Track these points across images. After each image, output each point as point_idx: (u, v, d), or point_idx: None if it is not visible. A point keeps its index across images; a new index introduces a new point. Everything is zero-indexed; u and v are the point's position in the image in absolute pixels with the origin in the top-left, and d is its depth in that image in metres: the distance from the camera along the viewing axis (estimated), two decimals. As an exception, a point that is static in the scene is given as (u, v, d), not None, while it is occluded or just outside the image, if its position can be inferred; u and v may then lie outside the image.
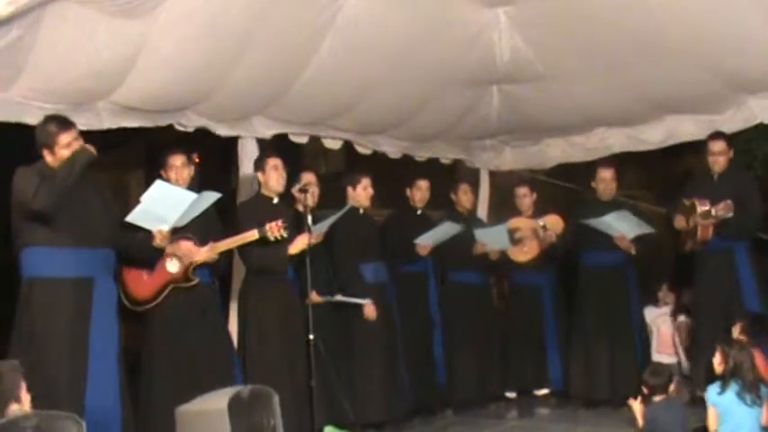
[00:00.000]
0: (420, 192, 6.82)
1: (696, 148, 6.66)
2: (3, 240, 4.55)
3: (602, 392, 6.63)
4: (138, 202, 4.54)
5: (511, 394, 7.31)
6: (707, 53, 5.76)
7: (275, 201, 5.62)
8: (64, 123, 4.40)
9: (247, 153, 6.24)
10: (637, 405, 4.68)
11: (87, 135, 4.56)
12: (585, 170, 7.29)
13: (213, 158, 6.22)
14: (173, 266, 4.97)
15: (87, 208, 4.45)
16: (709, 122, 6.80)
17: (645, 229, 6.49)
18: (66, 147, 4.34)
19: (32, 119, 4.70)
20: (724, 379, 4.39)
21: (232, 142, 6.31)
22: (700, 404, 4.96)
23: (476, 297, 7.06)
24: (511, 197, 7.46)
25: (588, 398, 6.75)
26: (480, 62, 6.27)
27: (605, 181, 6.81)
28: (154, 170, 5.31)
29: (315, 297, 5.40)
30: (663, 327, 7.85)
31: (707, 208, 5.96)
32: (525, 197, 7.30)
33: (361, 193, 6.26)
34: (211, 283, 5.28)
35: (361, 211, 6.32)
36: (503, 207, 8.00)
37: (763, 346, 4.89)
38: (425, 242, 6.47)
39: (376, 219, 6.82)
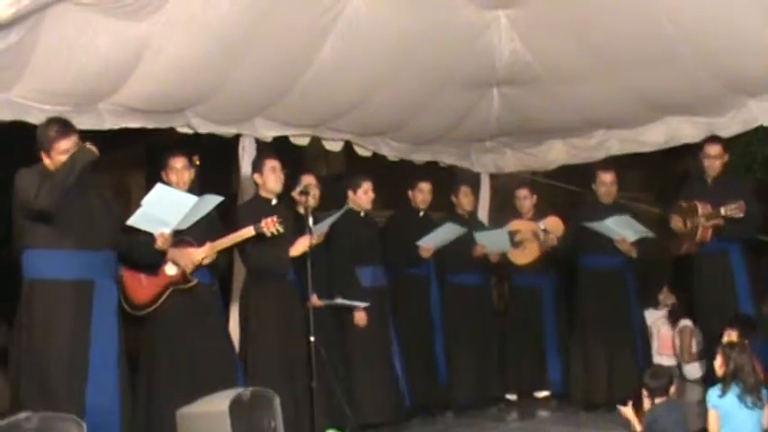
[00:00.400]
0: (422, 194, 6.82)
1: (696, 151, 6.66)
2: (3, 242, 4.55)
3: (602, 395, 6.62)
4: (139, 205, 4.54)
5: (511, 396, 7.30)
6: (707, 55, 5.76)
7: (274, 202, 5.62)
8: (64, 129, 4.37)
9: (248, 155, 6.25)
10: (629, 410, 4.67)
11: (88, 136, 4.55)
12: (586, 172, 7.29)
13: (214, 160, 6.20)
14: (171, 269, 4.98)
15: (88, 210, 4.45)
16: (708, 125, 6.80)
17: (645, 232, 6.50)
18: (64, 153, 4.32)
19: (33, 119, 4.72)
20: (725, 381, 4.40)
21: (233, 144, 6.32)
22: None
23: (476, 299, 7.05)
24: (511, 199, 7.47)
25: (588, 400, 6.74)
26: (480, 64, 6.28)
27: (605, 184, 6.81)
28: (155, 172, 5.32)
29: (315, 300, 5.41)
30: (663, 329, 7.88)
31: (710, 209, 5.96)
32: (526, 199, 7.31)
33: (362, 197, 6.26)
34: (211, 285, 5.28)
35: (363, 214, 6.32)
36: (503, 209, 8.01)
37: (753, 349, 4.89)
38: (428, 244, 6.48)
39: (377, 220, 6.82)
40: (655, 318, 7.97)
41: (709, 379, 5.32)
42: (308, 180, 5.85)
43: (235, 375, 5.14)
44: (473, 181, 7.95)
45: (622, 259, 6.67)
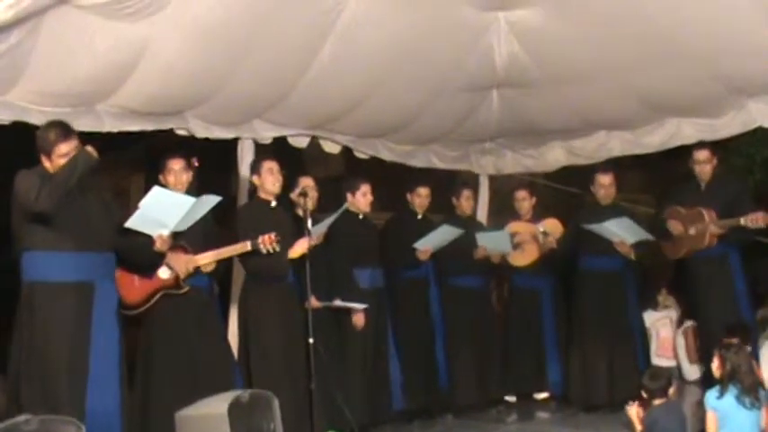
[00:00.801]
0: (420, 198, 6.83)
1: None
2: (3, 243, 4.55)
3: (601, 396, 6.63)
4: (137, 207, 4.54)
5: (511, 398, 7.30)
6: (706, 56, 5.76)
7: (273, 204, 5.63)
8: (65, 132, 4.38)
9: (247, 157, 6.25)
10: (634, 410, 4.68)
11: (87, 139, 4.56)
12: (585, 174, 7.29)
13: (213, 162, 6.20)
14: (164, 273, 4.99)
15: (88, 212, 4.45)
16: (708, 126, 6.82)
17: (645, 234, 6.50)
18: (63, 156, 4.33)
19: (34, 120, 4.73)
20: (722, 383, 4.40)
21: (232, 146, 6.32)
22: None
23: (475, 301, 7.05)
24: (510, 201, 7.47)
25: (587, 402, 6.75)
26: (480, 66, 6.29)
27: (604, 186, 6.81)
28: (154, 174, 5.32)
29: (314, 302, 5.41)
30: (662, 330, 7.88)
31: (714, 215, 6.03)
32: (524, 201, 7.32)
33: (360, 200, 6.27)
34: (210, 287, 5.28)
35: (361, 216, 6.33)
36: (502, 211, 8.01)
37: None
38: (425, 246, 6.48)
39: (376, 222, 6.83)
40: (654, 319, 7.96)
41: (706, 381, 5.32)
42: (307, 182, 5.85)
43: (232, 377, 5.14)
44: (473, 183, 7.96)
45: (621, 261, 6.68)
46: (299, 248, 5.32)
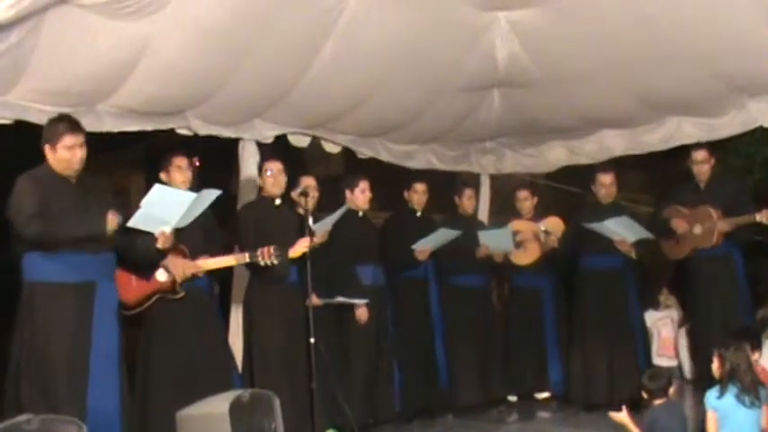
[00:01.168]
0: (417, 195, 6.82)
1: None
2: (3, 243, 4.55)
3: (602, 396, 6.62)
4: (138, 206, 4.54)
5: (512, 397, 7.30)
6: (707, 56, 5.76)
7: (277, 202, 5.63)
8: (74, 126, 4.42)
9: (248, 156, 6.26)
10: (623, 416, 4.65)
11: (88, 138, 4.56)
12: (586, 173, 7.29)
13: (213, 162, 6.22)
14: (162, 276, 4.99)
15: (88, 212, 4.45)
16: (709, 125, 6.82)
17: (646, 233, 6.51)
18: (68, 149, 4.36)
19: (34, 119, 4.74)
20: (722, 382, 4.40)
21: (232, 146, 6.32)
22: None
23: (476, 300, 7.05)
24: (511, 200, 7.47)
25: (588, 401, 6.75)
26: (481, 66, 6.28)
27: (605, 185, 6.81)
28: (154, 173, 5.32)
29: (315, 300, 5.41)
30: (663, 330, 7.87)
31: (720, 213, 6.03)
32: (526, 200, 7.32)
33: (359, 196, 6.27)
34: (209, 288, 5.28)
35: (360, 213, 6.33)
36: (503, 210, 8.01)
37: None
38: (423, 247, 6.48)
39: (375, 221, 6.82)
40: (655, 319, 7.96)
41: (702, 379, 5.31)
42: (308, 182, 5.85)
43: (231, 378, 5.15)
44: (474, 182, 7.96)
45: (622, 260, 6.67)
46: (300, 248, 5.32)
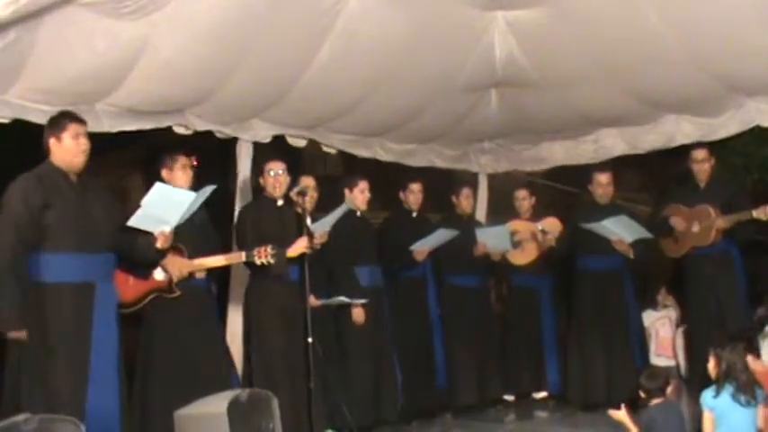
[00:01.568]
0: (413, 194, 6.80)
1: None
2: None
3: (600, 395, 6.62)
4: (138, 206, 4.55)
5: (509, 397, 7.31)
6: (704, 56, 5.76)
7: (280, 203, 5.63)
8: (77, 117, 4.48)
9: (245, 156, 6.26)
10: (622, 414, 4.66)
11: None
12: (584, 173, 7.30)
13: (211, 162, 6.21)
14: (159, 275, 4.99)
15: (88, 212, 4.46)
16: (706, 125, 6.82)
17: (644, 233, 6.52)
18: (73, 137, 4.40)
19: (33, 118, 4.74)
20: (718, 382, 4.41)
21: (230, 146, 6.32)
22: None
23: (474, 300, 7.05)
24: (509, 200, 7.48)
25: (586, 401, 6.75)
26: (479, 65, 6.29)
27: (602, 185, 6.82)
28: (153, 173, 5.32)
29: (313, 300, 5.41)
30: (661, 330, 7.87)
31: (719, 211, 6.05)
32: (524, 200, 7.33)
33: (358, 196, 6.26)
34: (208, 287, 5.29)
35: (359, 213, 6.33)
36: (501, 210, 8.02)
37: None
38: (422, 248, 6.48)
39: (373, 221, 6.83)
40: (653, 319, 7.96)
41: (700, 379, 5.32)
42: (308, 182, 5.86)
43: (229, 377, 5.15)
44: (472, 182, 7.96)
45: (619, 260, 6.68)
46: (298, 247, 5.31)
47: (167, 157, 5.18)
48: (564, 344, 7.13)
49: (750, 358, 4.72)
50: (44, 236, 4.30)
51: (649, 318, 7.78)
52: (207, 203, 4.86)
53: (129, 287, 4.94)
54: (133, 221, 4.53)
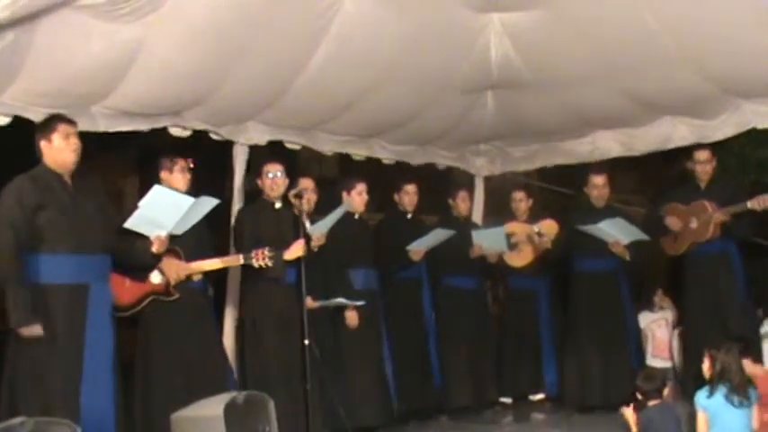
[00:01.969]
0: (408, 196, 6.80)
1: (690, 153, 6.70)
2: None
3: (596, 397, 6.64)
4: (135, 207, 4.54)
5: (506, 399, 7.31)
6: (699, 58, 5.77)
7: (278, 205, 5.62)
8: (66, 118, 4.49)
9: (242, 160, 6.25)
10: (630, 412, 4.69)
11: (82, 137, 4.57)
12: (579, 175, 7.30)
13: (207, 165, 6.20)
14: (156, 278, 4.98)
15: (83, 215, 4.45)
16: (702, 127, 6.82)
17: (639, 235, 6.52)
18: (63, 137, 4.40)
19: (31, 116, 4.74)
20: (712, 382, 4.42)
21: (226, 149, 6.31)
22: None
23: (470, 302, 7.05)
24: (505, 202, 7.48)
25: (582, 403, 6.75)
26: (475, 67, 6.29)
27: (597, 187, 6.83)
28: (148, 176, 5.31)
29: (310, 302, 5.41)
30: (658, 332, 7.85)
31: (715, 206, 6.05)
32: (521, 202, 7.34)
33: (355, 198, 6.26)
34: (204, 289, 5.28)
35: (356, 216, 6.33)
36: (497, 212, 8.02)
37: None
38: (418, 248, 6.48)
39: (370, 223, 6.82)
40: (650, 320, 7.96)
41: (696, 381, 5.33)
42: (306, 184, 5.86)
43: (226, 380, 5.15)
44: (468, 184, 7.96)
45: (615, 262, 6.69)
46: (295, 250, 5.30)
47: (167, 159, 5.17)
48: (561, 345, 7.13)
49: (747, 361, 4.74)
50: (38, 237, 4.30)
51: (646, 319, 7.77)
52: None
53: (126, 290, 4.94)
54: (130, 224, 4.53)
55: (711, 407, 4.39)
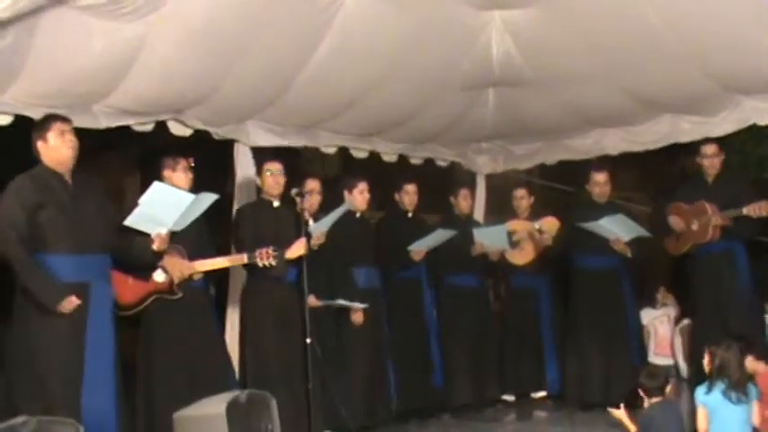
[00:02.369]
0: (408, 196, 6.80)
1: (690, 149, 6.70)
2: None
3: (598, 395, 6.63)
4: (135, 205, 4.54)
5: (508, 397, 7.31)
6: (700, 54, 5.76)
7: (276, 204, 5.62)
8: (62, 117, 4.50)
9: (243, 157, 6.24)
10: (620, 413, 4.68)
11: (83, 136, 4.57)
12: (581, 172, 7.30)
13: (208, 163, 6.20)
14: (159, 276, 4.98)
15: (84, 214, 4.45)
16: (703, 123, 6.81)
17: (641, 231, 6.52)
18: (59, 135, 4.41)
19: (32, 114, 4.74)
20: (711, 378, 4.43)
21: (227, 148, 6.31)
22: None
23: (472, 300, 7.05)
24: (507, 199, 7.48)
25: (584, 400, 6.75)
26: (476, 65, 6.29)
27: (599, 184, 6.83)
28: (149, 175, 5.31)
29: (313, 301, 5.40)
30: (660, 328, 7.88)
31: (716, 208, 6.05)
32: (523, 199, 7.34)
33: (357, 197, 6.26)
34: (206, 288, 5.28)
35: (358, 214, 6.33)
36: (499, 210, 8.02)
37: None
38: (419, 248, 6.47)
39: (372, 221, 6.82)
40: (652, 317, 7.97)
41: (699, 378, 5.34)
42: (313, 185, 5.86)
43: (228, 379, 5.15)
44: (470, 182, 7.96)
45: (616, 259, 6.68)
46: (297, 249, 5.31)
47: (170, 158, 5.17)
48: (562, 343, 7.13)
49: (750, 358, 4.74)
50: (39, 236, 4.30)
51: (648, 316, 7.79)
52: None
53: (129, 289, 4.94)
54: (130, 221, 4.53)
55: (710, 402, 4.40)
